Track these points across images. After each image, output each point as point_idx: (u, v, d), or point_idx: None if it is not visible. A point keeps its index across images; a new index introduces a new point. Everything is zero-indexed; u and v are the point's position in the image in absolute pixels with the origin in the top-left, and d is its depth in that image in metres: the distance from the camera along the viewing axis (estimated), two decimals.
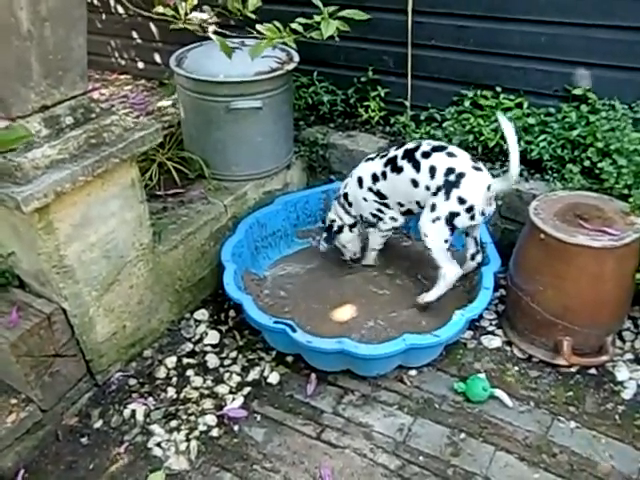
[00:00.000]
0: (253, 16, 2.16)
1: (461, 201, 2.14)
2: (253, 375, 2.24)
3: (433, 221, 2.18)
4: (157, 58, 3.71)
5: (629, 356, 2.22)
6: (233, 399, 2.15)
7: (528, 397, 2.10)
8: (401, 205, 2.37)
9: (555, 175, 2.45)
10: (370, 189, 2.39)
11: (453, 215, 2.15)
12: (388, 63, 2.83)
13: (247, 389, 2.19)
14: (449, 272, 2.24)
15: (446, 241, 2.21)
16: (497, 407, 2.07)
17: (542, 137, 2.46)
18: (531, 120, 2.50)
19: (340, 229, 2.54)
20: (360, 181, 2.41)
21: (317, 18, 2.04)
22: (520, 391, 2.12)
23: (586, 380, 2.15)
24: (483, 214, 2.18)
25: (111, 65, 3.97)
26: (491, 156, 2.63)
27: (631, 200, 2.08)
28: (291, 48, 2.60)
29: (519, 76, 2.56)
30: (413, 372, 2.21)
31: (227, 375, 2.25)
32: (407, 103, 2.83)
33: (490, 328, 2.38)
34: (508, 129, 2.05)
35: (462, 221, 2.17)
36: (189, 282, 2.48)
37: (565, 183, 2.36)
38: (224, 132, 2.60)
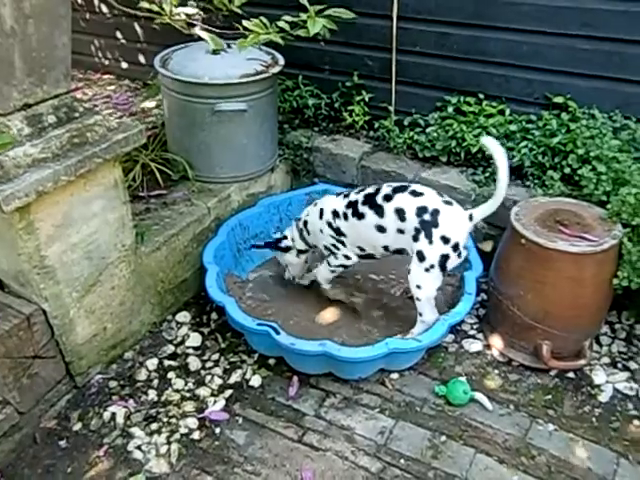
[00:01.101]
0: (239, 11, 2.16)
1: (445, 240, 2.04)
2: (235, 378, 2.24)
3: (427, 270, 2.07)
4: (141, 58, 3.69)
5: (606, 360, 2.26)
6: (215, 402, 2.14)
7: (508, 400, 2.12)
8: (361, 249, 2.27)
9: (536, 181, 2.48)
10: (329, 224, 2.28)
11: (445, 258, 2.05)
12: (373, 68, 2.86)
13: (229, 392, 2.18)
14: (429, 320, 2.17)
15: (438, 289, 2.14)
16: (477, 410, 2.09)
17: (523, 144, 2.50)
18: (513, 127, 2.53)
19: (287, 249, 2.44)
20: (321, 213, 2.30)
21: (303, 16, 2.05)
22: (500, 394, 2.15)
23: (564, 383, 2.18)
24: (465, 248, 2.12)
25: (95, 65, 3.94)
26: (474, 162, 2.67)
27: (609, 207, 2.12)
28: (276, 50, 2.62)
29: (501, 83, 2.60)
30: (395, 375, 2.22)
31: (209, 378, 2.24)
32: (391, 108, 2.86)
33: (471, 332, 2.40)
34: (499, 154, 1.99)
35: (453, 262, 2.08)
36: (171, 284, 2.46)
37: (546, 189, 2.40)
38: (208, 134, 2.59)
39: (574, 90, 2.45)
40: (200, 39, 2.33)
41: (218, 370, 2.27)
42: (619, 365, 2.24)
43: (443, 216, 2.05)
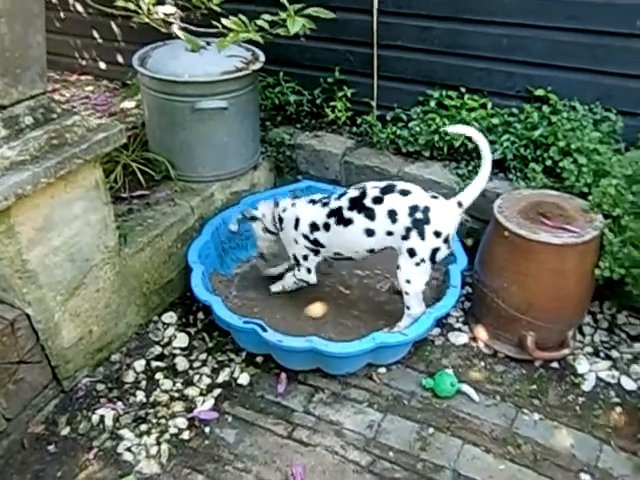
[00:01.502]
0: (218, 9, 2.15)
1: (437, 235, 2.06)
2: (223, 376, 2.24)
3: (417, 264, 2.09)
4: (119, 58, 3.64)
5: (589, 349, 2.30)
6: (203, 401, 2.14)
7: (494, 391, 2.15)
8: (339, 254, 2.25)
9: (518, 174, 2.51)
10: (306, 236, 2.23)
11: (435, 251, 2.08)
12: (354, 64, 2.85)
13: (217, 391, 2.18)
14: (416, 313, 2.18)
15: (427, 283, 2.16)
16: (464, 402, 2.11)
17: (505, 137, 2.51)
18: (495, 120, 2.55)
19: (253, 218, 2.36)
20: (297, 223, 2.24)
21: (283, 15, 2.05)
22: (486, 386, 2.17)
23: (549, 373, 2.21)
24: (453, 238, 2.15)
25: (72, 66, 3.88)
26: (456, 156, 2.68)
27: (590, 198, 2.15)
28: (257, 46, 2.60)
29: (483, 77, 2.61)
30: (382, 370, 2.24)
31: (197, 377, 2.24)
32: (373, 103, 2.86)
33: (457, 325, 2.42)
34: (471, 133, 2.07)
35: (442, 254, 2.11)
36: (156, 285, 2.45)
37: (528, 182, 2.42)
38: (189, 133, 2.57)
39: (555, 83, 2.47)
40: (179, 37, 2.31)
41: (206, 369, 2.27)
42: (601, 354, 2.28)
43: (434, 212, 2.06)
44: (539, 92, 2.49)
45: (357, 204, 2.12)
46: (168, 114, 2.56)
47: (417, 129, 2.69)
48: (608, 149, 2.27)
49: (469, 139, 2.58)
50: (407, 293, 2.16)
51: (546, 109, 2.47)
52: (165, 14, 2.11)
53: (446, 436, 2.00)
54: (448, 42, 2.60)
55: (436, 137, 2.65)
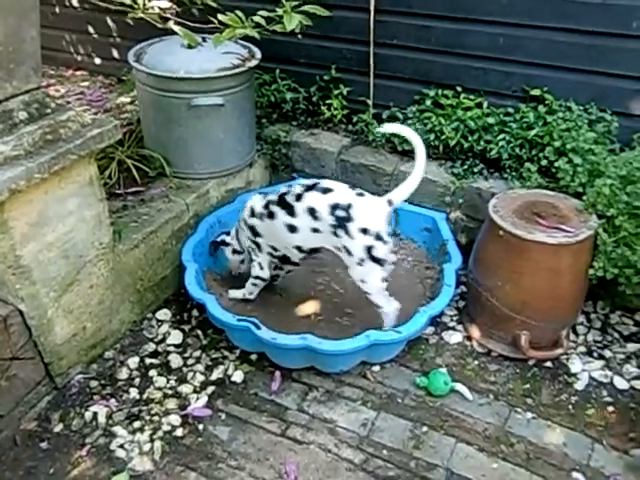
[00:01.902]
0: (214, 4, 2.14)
1: (364, 232, 2.03)
2: (217, 374, 2.23)
3: (359, 264, 2.08)
4: (115, 53, 3.63)
5: (582, 349, 2.31)
6: (197, 398, 2.14)
7: (487, 390, 2.15)
8: (275, 249, 2.27)
9: (513, 174, 2.51)
10: (245, 221, 2.30)
11: (370, 249, 2.04)
12: (350, 62, 2.85)
13: (211, 388, 2.18)
14: (390, 310, 2.18)
15: (383, 280, 2.12)
16: (458, 400, 2.12)
17: (501, 136, 2.52)
18: (490, 120, 2.55)
19: (223, 242, 2.45)
20: (244, 210, 2.32)
21: (279, 11, 2.04)
22: (480, 384, 2.18)
23: (542, 373, 2.22)
24: (389, 234, 2.09)
25: (67, 61, 3.86)
26: (452, 155, 2.68)
27: (585, 198, 2.15)
28: (253, 43, 2.59)
29: (479, 76, 2.61)
30: (376, 368, 2.24)
31: (191, 375, 2.23)
32: (369, 101, 2.86)
33: (451, 324, 2.42)
34: (406, 132, 2.07)
35: (381, 252, 2.06)
36: (151, 282, 2.44)
37: (523, 182, 2.42)
38: (185, 129, 2.57)
39: (551, 83, 2.48)
40: (175, 33, 2.30)
41: (200, 367, 2.26)
42: (594, 354, 2.29)
43: (357, 209, 2.04)
44: (535, 92, 2.50)
45: (281, 200, 2.16)
46: (164, 110, 2.55)
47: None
48: (603, 149, 2.27)
49: (465, 138, 2.58)
50: (368, 293, 2.15)
51: (542, 109, 2.47)
52: (161, 9, 2.10)
53: (439, 434, 2.01)
54: (445, 41, 2.60)
55: (432, 136, 2.65)
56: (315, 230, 2.10)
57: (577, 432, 2.01)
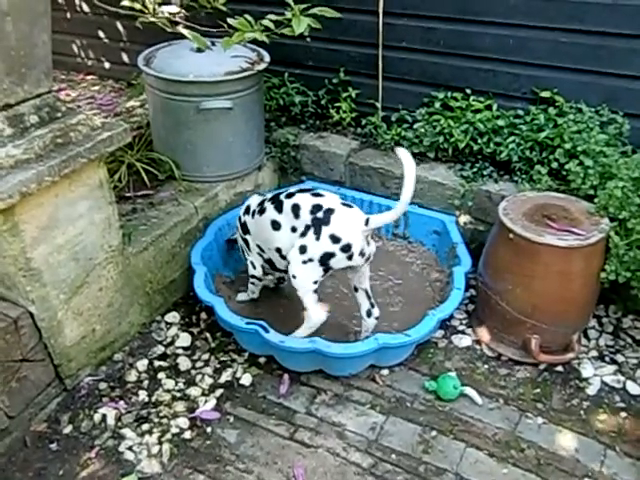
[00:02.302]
0: (223, 8, 2.15)
1: (334, 239, 1.99)
2: (225, 377, 2.23)
3: (304, 262, 2.04)
4: (125, 58, 3.66)
5: (594, 353, 2.28)
6: (205, 401, 2.14)
7: (497, 394, 2.14)
8: (261, 250, 2.26)
9: (524, 176, 2.49)
10: (239, 218, 2.33)
11: (328, 256, 2.01)
12: (359, 65, 2.85)
13: (219, 391, 2.18)
14: (314, 315, 2.12)
15: (315, 282, 2.08)
16: (467, 405, 2.10)
17: (511, 139, 2.50)
18: (500, 122, 2.54)
19: (235, 240, 2.47)
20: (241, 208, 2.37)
21: (288, 15, 2.04)
22: (489, 389, 2.16)
23: (553, 377, 2.20)
24: (362, 254, 2.04)
25: (77, 66, 3.90)
26: (461, 157, 2.67)
27: (596, 201, 2.13)
28: (262, 47, 2.60)
29: (488, 78, 2.60)
30: (385, 371, 2.23)
31: (199, 377, 2.23)
32: (378, 104, 2.85)
33: (460, 327, 2.41)
34: (408, 163, 1.93)
35: (338, 262, 2.02)
36: (160, 284, 2.45)
37: (533, 184, 2.41)
38: (194, 132, 2.58)
39: (561, 84, 2.46)
40: (184, 37, 2.31)
41: (208, 369, 2.26)
42: (606, 358, 2.26)
43: (336, 216, 2.02)
44: (545, 94, 2.48)
45: (274, 197, 2.19)
46: (173, 114, 2.56)
47: (422, 130, 2.69)
48: (615, 151, 2.25)
49: (474, 140, 2.57)
50: (296, 289, 2.12)
51: (552, 111, 2.46)
52: (170, 13, 2.11)
53: (449, 439, 1.99)
54: (453, 43, 2.60)
55: (441, 138, 2.64)
56: (293, 229, 2.09)
57: (589, 438, 1.98)
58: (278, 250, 2.17)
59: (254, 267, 2.34)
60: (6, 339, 1.90)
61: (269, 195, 2.26)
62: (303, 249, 2.05)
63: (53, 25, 1.85)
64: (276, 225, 2.14)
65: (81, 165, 1.90)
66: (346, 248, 2.00)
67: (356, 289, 2.20)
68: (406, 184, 1.94)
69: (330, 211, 2.02)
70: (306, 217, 2.05)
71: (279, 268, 2.27)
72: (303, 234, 2.05)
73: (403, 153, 1.96)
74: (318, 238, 2.01)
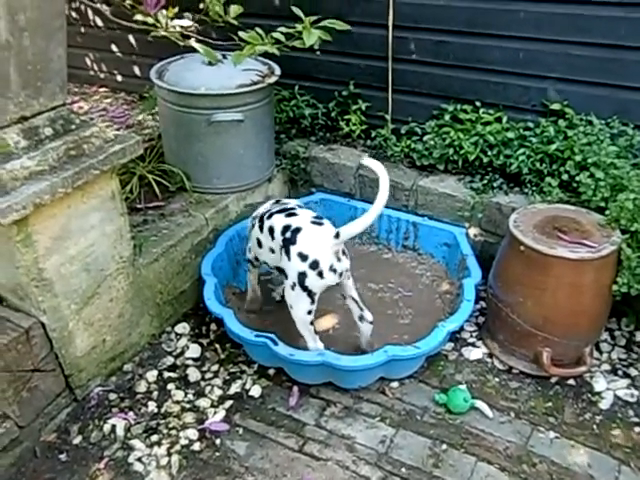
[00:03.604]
0: (235, 22, 2.17)
1: (302, 257, 1.99)
2: (235, 388, 2.23)
3: (292, 288, 2.04)
4: (137, 71, 3.70)
5: (606, 367, 2.26)
6: (215, 413, 2.13)
7: (508, 408, 2.12)
8: (256, 258, 2.33)
9: (534, 188, 2.49)
10: (252, 217, 2.38)
11: (302, 276, 1.99)
12: (369, 77, 2.86)
13: (229, 402, 2.18)
14: (309, 346, 2.11)
15: (309, 312, 2.06)
16: (478, 418, 2.08)
17: (521, 151, 2.50)
18: (510, 134, 2.53)
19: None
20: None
21: (299, 27, 2.06)
22: (500, 402, 2.14)
23: (565, 391, 2.18)
24: (334, 270, 2.01)
25: (90, 79, 3.95)
26: (471, 170, 2.67)
27: (608, 213, 2.12)
28: (272, 60, 2.62)
29: (498, 91, 2.60)
30: (395, 384, 2.22)
31: (208, 388, 2.23)
32: (388, 117, 2.87)
33: (471, 340, 2.39)
34: (380, 171, 1.98)
35: (312, 282, 2.00)
36: (170, 295, 2.46)
37: (544, 196, 2.40)
38: (205, 145, 2.60)
39: (571, 97, 2.46)
40: (195, 50, 2.34)
41: (218, 381, 2.26)
42: (619, 372, 2.23)
43: (303, 234, 2.03)
44: (555, 106, 2.48)
45: (262, 216, 2.23)
46: (184, 126, 2.58)
47: (431, 143, 2.69)
48: (626, 163, 2.24)
49: (484, 152, 2.57)
50: (294, 320, 2.10)
51: (562, 123, 2.46)
52: (182, 27, 2.14)
53: (459, 453, 1.97)
54: (463, 56, 2.61)
55: (451, 150, 2.64)
56: (271, 250, 2.15)
57: (602, 453, 1.96)
58: (266, 263, 2.25)
59: (249, 251, 2.37)
60: (18, 349, 1.91)
61: (267, 209, 2.27)
62: (285, 274, 2.08)
63: (67, 39, 1.88)
64: (260, 243, 2.22)
65: (94, 177, 1.93)
66: (314, 265, 1.99)
67: (345, 297, 2.21)
68: (380, 191, 1.97)
69: (297, 230, 2.05)
70: (279, 238, 2.09)
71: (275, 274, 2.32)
72: (281, 256, 2.09)
73: (371, 162, 2.02)
74: (289, 259, 2.03)
